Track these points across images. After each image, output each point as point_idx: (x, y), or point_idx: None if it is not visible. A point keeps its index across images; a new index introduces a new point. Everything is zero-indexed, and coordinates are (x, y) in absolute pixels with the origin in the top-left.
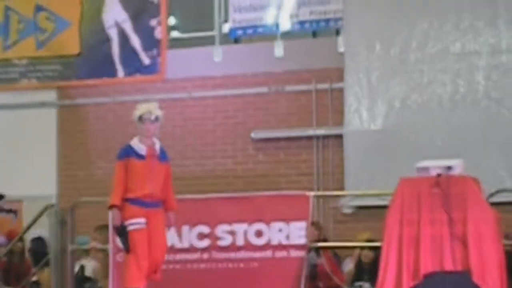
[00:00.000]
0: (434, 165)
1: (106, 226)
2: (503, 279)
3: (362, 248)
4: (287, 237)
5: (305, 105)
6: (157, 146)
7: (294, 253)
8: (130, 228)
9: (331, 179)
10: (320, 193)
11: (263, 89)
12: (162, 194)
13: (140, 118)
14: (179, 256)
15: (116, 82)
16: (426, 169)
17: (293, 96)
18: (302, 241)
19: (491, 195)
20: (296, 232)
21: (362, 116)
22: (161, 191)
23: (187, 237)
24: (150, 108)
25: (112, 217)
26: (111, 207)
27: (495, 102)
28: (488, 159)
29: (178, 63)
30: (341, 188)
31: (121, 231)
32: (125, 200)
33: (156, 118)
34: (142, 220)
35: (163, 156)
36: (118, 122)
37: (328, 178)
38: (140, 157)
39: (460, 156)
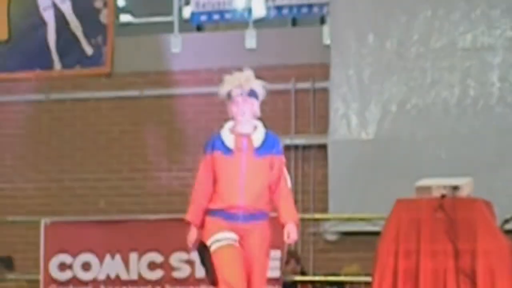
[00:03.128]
0: (438, 184)
1: None
2: None
3: (349, 283)
4: None
5: (282, 108)
6: (256, 134)
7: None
8: (213, 247)
9: (312, 199)
10: (299, 215)
11: None
12: (261, 203)
13: (229, 95)
14: None
15: (52, 76)
16: (427, 189)
17: (267, 97)
18: (276, 274)
19: (506, 221)
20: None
21: (351, 122)
22: (260, 198)
23: (135, 266)
24: (241, 79)
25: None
26: (187, 223)
27: (511, 109)
28: (503, 178)
29: (128, 54)
30: (324, 210)
31: (201, 255)
32: (208, 212)
33: (252, 93)
34: (231, 234)
35: (264, 147)
36: (55, 125)
37: (309, 197)
38: (227, 150)
39: (469, 173)
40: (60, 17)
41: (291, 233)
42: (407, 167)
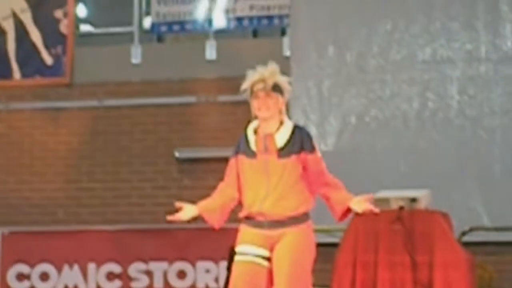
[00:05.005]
0: (396, 196)
1: None
2: None
3: None
4: (216, 279)
5: (241, 119)
6: (280, 133)
7: None
8: (235, 257)
9: None
10: None
11: (191, 99)
12: (289, 208)
13: (251, 91)
14: None
15: (11, 85)
16: (386, 200)
17: (227, 107)
18: None
19: (464, 233)
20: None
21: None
22: (288, 202)
23: (94, 277)
24: (264, 73)
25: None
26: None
27: (470, 121)
28: (461, 190)
29: (88, 65)
30: None
31: (229, 260)
32: (243, 219)
33: (276, 88)
34: (258, 250)
35: (290, 147)
36: (13, 134)
37: None
38: (250, 153)
39: (426, 186)
40: (19, 26)
41: (360, 203)
42: (366, 179)
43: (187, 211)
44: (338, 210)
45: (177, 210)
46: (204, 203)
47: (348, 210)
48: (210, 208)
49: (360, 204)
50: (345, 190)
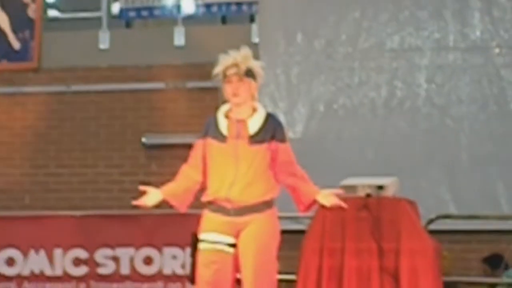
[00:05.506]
0: (363, 184)
1: None
2: None
3: None
4: (183, 266)
5: (210, 106)
6: (253, 119)
7: (192, 286)
8: (200, 245)
9: None
10: None
11: (159, 85)
12: (256, 194)
13: (224, 75)
14: (50, 286)
15: None
16: (353, 188)
17: (195, 94)
18: None
19: (431, 221)
20: None
21: None
22: (255, 189)
23: (60, 262)
24: (237, 58)
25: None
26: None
27: (438, 110)
28: (429, 178)
29: (56, 50)
30: None
31: (192, 247)
32: (207, 204)
33: (249, 73)
34: (224, 238)
35: (262, 134)
36: None
37: None
38: (220, 137)
39: (394, 173)
40: None
41: (328, 196)
42: (334, 166)
43: (152, 196)
44: (305, 201)
45: (141, 194)
46: (168, 188)
47: (314, 202)
48: (175, 192)
49: (328, 198)
50: (311, 183)
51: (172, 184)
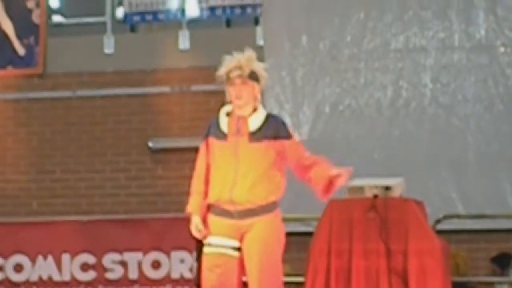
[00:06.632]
0: (370, 185)
1: None
2: None
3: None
4: (191, 269)
5: (215, 109)
6: (254, 117)
7: None
8: (205, 249)
9: None
10: None
11: (165, 89)
12: (260, 195)
13: (228, 77)
14: None
15: None
16: (360, 189)
17: (201, 97)
18: None
19: (438, 221)
20: None
21: None
22: (258, 189)
23: (68, 268)
24: (241, 60)
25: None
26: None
27: (444, 110)
28: (435, 178)
29: (61, 55)
30: None
31: (198, 251)
32: (210, 207)
33: (252, 75)
34: (229, 242)
35: (263, 131)
36: None
37: None
38: (221, 135)
39: (401, 174)
40: None
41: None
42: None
43: (199, 222)
44: (319, 189)
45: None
46: (195, 206)
47: (330, 184)
48: (200, 205)
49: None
50: (323, 165)
51: (196, 200)
